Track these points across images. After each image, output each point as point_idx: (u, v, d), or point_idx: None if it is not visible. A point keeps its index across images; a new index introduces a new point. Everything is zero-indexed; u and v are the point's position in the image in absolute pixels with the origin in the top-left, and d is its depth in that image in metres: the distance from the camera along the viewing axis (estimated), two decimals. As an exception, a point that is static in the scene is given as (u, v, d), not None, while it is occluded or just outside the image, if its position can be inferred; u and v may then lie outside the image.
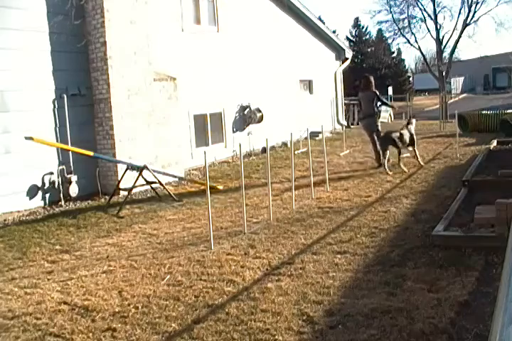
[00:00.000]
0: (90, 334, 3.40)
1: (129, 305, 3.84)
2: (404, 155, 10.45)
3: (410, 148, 9.11)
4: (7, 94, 7.01)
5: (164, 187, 7.59)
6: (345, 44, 18.60)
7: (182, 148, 9.40)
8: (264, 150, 11.57)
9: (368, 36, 50.55)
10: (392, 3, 29.72)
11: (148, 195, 7.93)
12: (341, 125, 15.97)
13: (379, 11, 30.94)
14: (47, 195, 7.49)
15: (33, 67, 7.32)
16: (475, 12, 27.46)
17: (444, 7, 36.70)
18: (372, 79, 9.70)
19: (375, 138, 9.16)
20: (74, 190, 7.62)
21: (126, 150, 8.06)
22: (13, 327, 3.57)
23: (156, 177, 7.48)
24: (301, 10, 14.44)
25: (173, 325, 3.47)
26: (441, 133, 14.59)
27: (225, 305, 3.74)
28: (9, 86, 7.03)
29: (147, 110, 8.47)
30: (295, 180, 7.15)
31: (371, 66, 46.94)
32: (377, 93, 9.57)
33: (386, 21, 31.08)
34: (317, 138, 12.90)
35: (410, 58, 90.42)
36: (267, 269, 4.44)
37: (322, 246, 4.97)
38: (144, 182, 7.46)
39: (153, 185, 7.65)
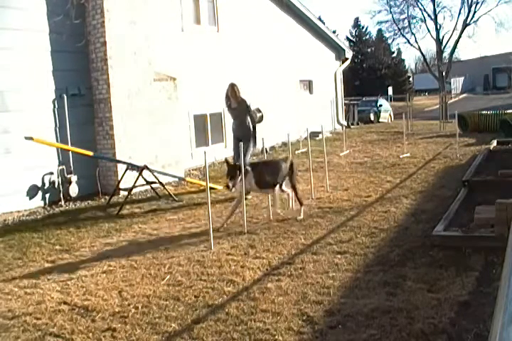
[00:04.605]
0: (90, 335, 3.40)
1: (129, 305, 3.84)
2: (405, 155, 10.45)
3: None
4: (7, 94, 7.01)
5: (164, 187, 7.58)
6: (345, 44, 18.59)
7: (182, 148, 9.39)
8: (264, 150, 11.55)
9: (367, 36, 50.66)
10: (392, 3, 29.73)
11: (148, 195, 7.93)
12: (341, 125, 15.97)
13: (379, 11, 30.95)
14: (47, 195, 7.49)
15: (33, 67, 7.32)
16: (475, 12, 27.46)
17: (444, 7, 36.65)
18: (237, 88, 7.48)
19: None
20: (74, 190, 7.62)
21: (126, 150, 8.06)
22: (13, 327, 3.57)
23: (156, 177, 7.47)
24: (301, 10, 14.44)
25: (173, 325, 3.47)
26: (442, 134, 14.61)
27: (224, 305, 3.73)
28: (9, 86, 7.03)
29: (147, 110, 8.46)
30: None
31: (371, 66, 47.04)
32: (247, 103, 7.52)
33: (386, 21, 31.09)
34: (317, 138, 12.89)
35: (410, 58, 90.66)
36: (266, 269, 4.44)
37: (322, 246, 4.97)
38: (144, 182, 7.46)
39: (153, 185, 7.64)
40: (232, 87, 7.46)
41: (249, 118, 7.57)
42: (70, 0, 7.35)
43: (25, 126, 7.13)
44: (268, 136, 7.21)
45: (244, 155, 6.99)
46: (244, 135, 7.49)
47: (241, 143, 6.30)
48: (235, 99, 7.46)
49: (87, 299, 4.00)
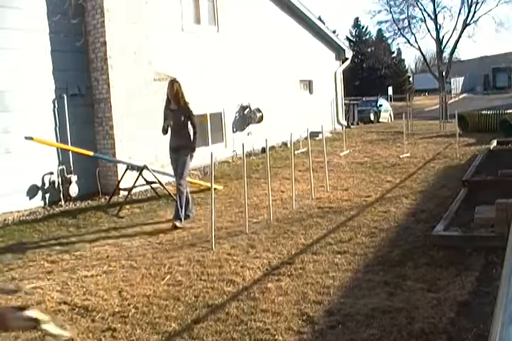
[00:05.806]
0: (90, 335, 3.40)
1: (129, 305, 3.84)
2: (405, 155, 10.44)
3: None
4: (7, 94, 7.01)
5: (164, 187, 7.58)
6: (345, 44, 18.57)
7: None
8: (264, 150, 11.56)
9: (367, 36, 50.61)
10: (392, 3, 29.81)
11: (148, 195, 7.93)
12: (341, 125, 15.96)
13: (379, 11, 31.02)
14: (47, 195, 7.49)
15: (33, 67, 7.32)
16: (475, 12, 27.52)
17: (444, 7, 36.74)
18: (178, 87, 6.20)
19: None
20: (74, 189, 7.62)
21: (126, 150, 8.06)
22: (13, 327, 3.57)
23: (156, 177, 7.47)
24: (301, 10, 14.43)
25: (173, 324, 3.47)
26: (441, 133, 14.60)
27: (224, 305, 3.73)
28: (9, 86, 7.03)
29: (147, 110, 8.45)
30: (295, 180, 7.15)
31: (371, 66, 47.01)
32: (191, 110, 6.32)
33: (386, 21, 31.18)
34: (317, 138, 12.88)
35: (410, 58, 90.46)
36: (266, 269, 4.44)
37: (322, 246, 4.97)
38: (144, 182, 7.46)
39: (153, 185, 7.65)
40: (172, 84, 6.19)
41: (191, 126, 6.31)
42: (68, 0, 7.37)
43: (26, 126, 7.13)
44: (268, 136, 7.21)
45: (182, 173, 6.10)
46: (182, 145, 6.21)
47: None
48: (174, 100, 6.23)
49: (87, 299, 4.00)
